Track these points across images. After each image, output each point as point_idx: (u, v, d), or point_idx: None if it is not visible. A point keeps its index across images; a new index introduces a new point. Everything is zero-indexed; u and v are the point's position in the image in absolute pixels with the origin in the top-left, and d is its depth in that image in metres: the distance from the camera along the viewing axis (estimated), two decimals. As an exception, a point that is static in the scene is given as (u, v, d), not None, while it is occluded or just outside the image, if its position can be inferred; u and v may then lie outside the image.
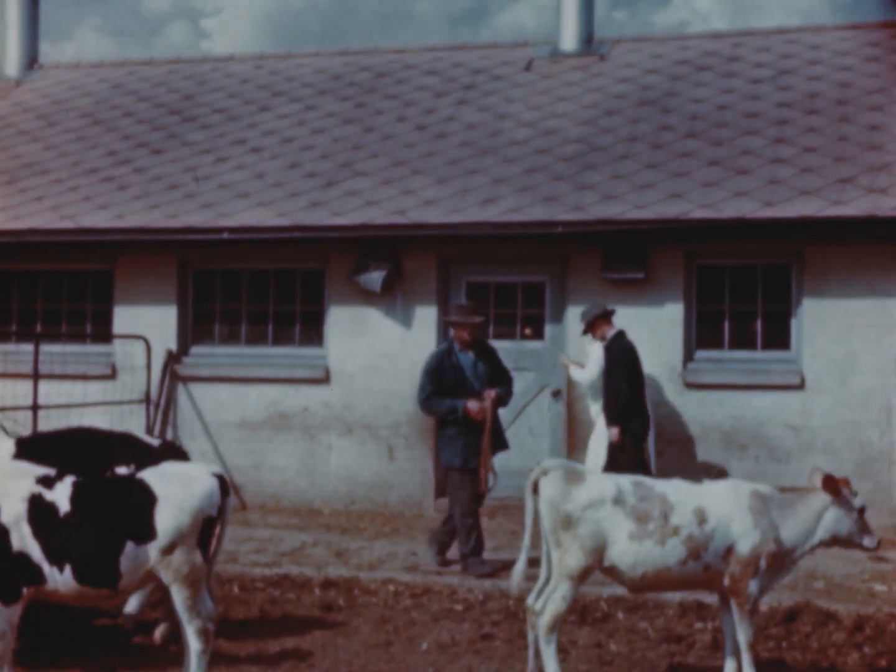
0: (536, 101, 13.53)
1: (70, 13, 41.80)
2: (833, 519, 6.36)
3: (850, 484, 6.46)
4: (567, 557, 6.22)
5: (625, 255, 11.40)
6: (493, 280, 12.04)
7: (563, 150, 12.41)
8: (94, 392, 12.41)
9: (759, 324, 11.43)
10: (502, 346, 10.46)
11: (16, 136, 14.72)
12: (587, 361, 10.64)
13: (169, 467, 6.32)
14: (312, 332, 12.49)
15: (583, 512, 6.20)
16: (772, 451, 11.15)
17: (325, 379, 12.16)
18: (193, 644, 6.05)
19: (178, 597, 6.01)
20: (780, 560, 6.31)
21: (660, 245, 11.38)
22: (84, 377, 12.51)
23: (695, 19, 39.11)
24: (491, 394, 9.11)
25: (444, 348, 9.48)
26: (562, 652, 7.25)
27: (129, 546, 5.91)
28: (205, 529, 6.09)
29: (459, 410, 9.09)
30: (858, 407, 10.93)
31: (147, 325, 12.49)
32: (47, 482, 5.96)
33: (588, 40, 14.52)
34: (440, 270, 12.03)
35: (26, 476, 6.01)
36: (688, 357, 11.43)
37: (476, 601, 8.22)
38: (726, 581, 6.26)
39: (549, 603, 6.27)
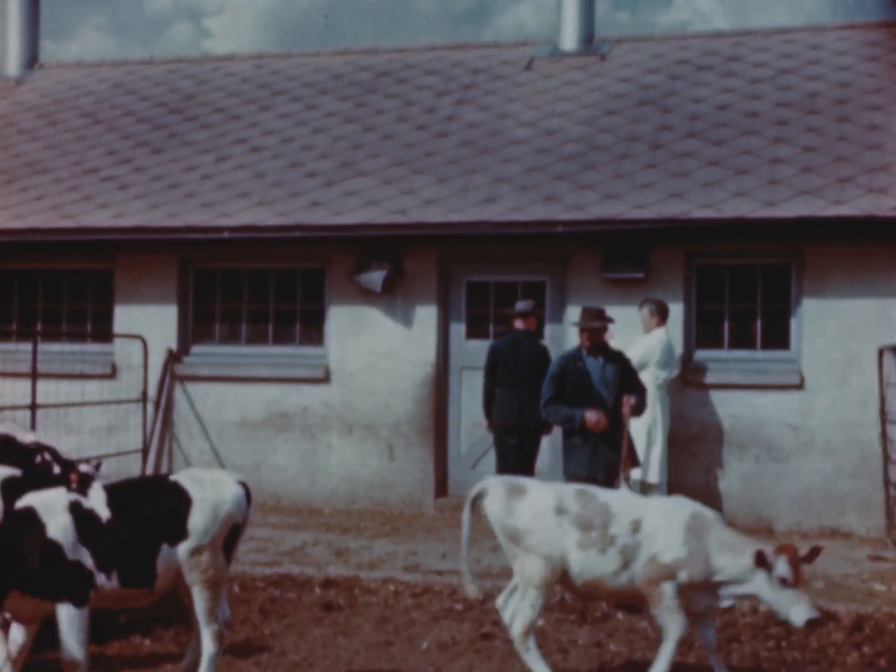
0: (536, 100, 13.55)
1: (73, 13, 41.82)
2: (757, 581, 6.08)
3: (794, 552, 6.06)
4: (526, 568, 6.38)
5: (625, 254, 11.41)
6: (494, 280, 12.06)
7: (563, 150, 12.43)
8: (95, 391, 12.44)
9: (758, 324, 11.44)
10: (502, 346, 10.50)
11: (16, 135, 14.73)
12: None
13: (198, 472, 6.46)
14: (313, 331, 12.50)
15: (529, 523, 6.35)
16: (771, 450, 11.17)
17: (325, 378, 12.17)
18: (208, 646, 6.12)
19: (200, 598, 6.10)
20: (703, 584, 6.16)
21: (660, 245, 11.39)
22: (84, 376, 12.53)
23: (696, 19, 39.11)
24: (631, 400, 8.50)
25: (570, 352, 8.94)
26: (561, 651, 7.28)
27: (165, 547, 6.00)
28: (230, 535, 6.23)
29: (577, 420, 8.48)
30: (858, 407, 10.93)
31: (147, 324, 12.51)
32: (82, 491, 6.01)
33: (588, 40, 14.54)
34: (440, 270, 12.04)
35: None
36: (687, 357, 11.44)
37: (476, 600, 8.22)
38: (639, 582, 6.23)
39: (518, 613, 6.40)
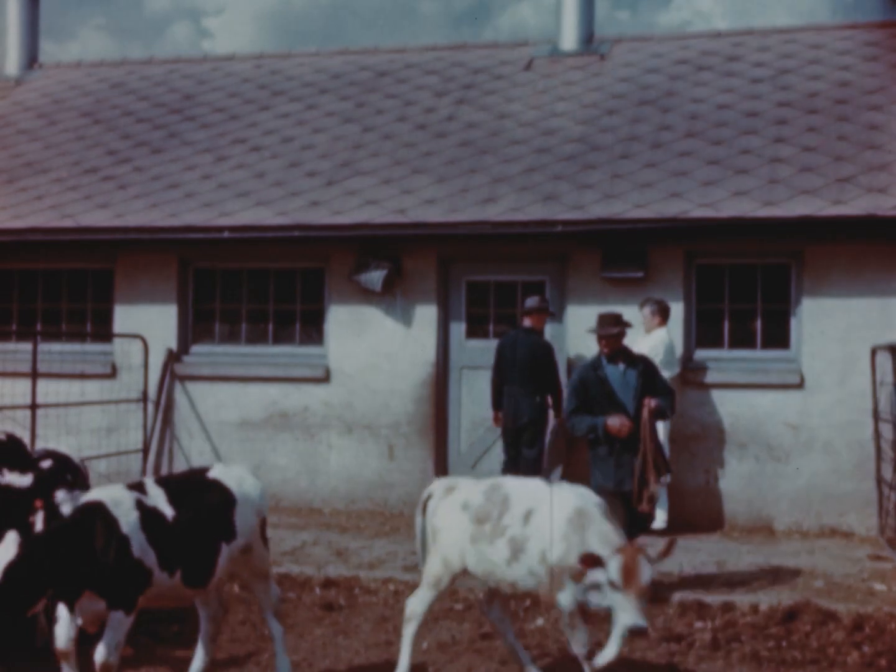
0: (536, 100, 13.54)
1: (73, 13, 41.83)
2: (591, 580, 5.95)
3: (631, 555, 5.83)
4: (430, 565, 6.58)
5: (624, 254, 11.41)
6: (493, 279, 12.05)
7: (563, 150, 12.42)
8: (95, 391, 12.44)
9: (758, 323, 11.44)
10: (502, 346, 10.54)
11: (16, 135, 14.73)
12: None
13: (225, 469, 6.52)
14: (312, 331, 12.50)
15: (440, 522, 6.56)
16: (771, 450, 11.17)
17: (325, 378, 12.17)
18: (277, 628, 6.49)
19: (259, 588, 6.46)
20: (580, 578, 6.00)
21: (659, 244, 11.39)
22: (84, 376, 12.53)
23: (697, 19, 39.11)
24: (651, 403, 8.19)
25: (590, 361, 8.68)
26: (562, 651, 7.28)
27: (223, 545, 6.11)
28: (262, 526, 6.49)
29: (599, 428, 8.19)
30: (858, 406, 10.92)
31: (147, 324, 12.51)
32: (140, 487, 6.01)
33: (588, 40, 14.54)
34: (440, 270, 12.04)
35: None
36: (687, 356, 11.43)
37: (476, 601, 8.23)
38: (541, 589, 6.24)
39: (411, 601, 6.63)
